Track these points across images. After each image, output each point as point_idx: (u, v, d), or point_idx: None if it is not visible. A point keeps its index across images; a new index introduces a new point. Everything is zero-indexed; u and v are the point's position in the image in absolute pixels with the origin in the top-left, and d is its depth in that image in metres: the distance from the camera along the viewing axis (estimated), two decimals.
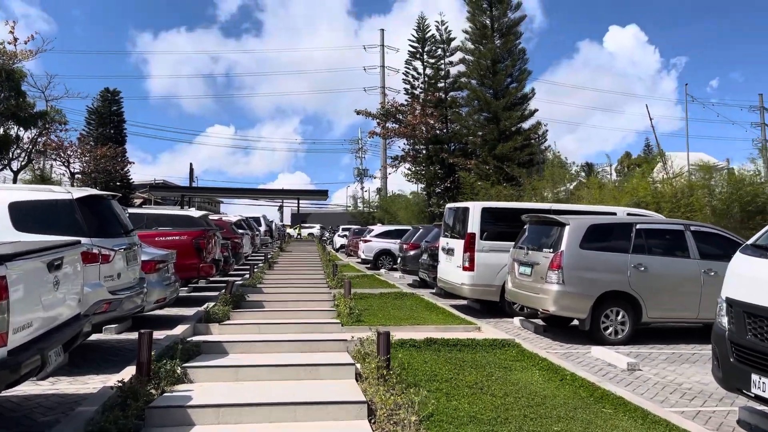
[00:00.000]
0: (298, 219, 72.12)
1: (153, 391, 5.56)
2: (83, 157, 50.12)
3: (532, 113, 36.90)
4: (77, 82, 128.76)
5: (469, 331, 9.58)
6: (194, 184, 76.53)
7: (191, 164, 77.55)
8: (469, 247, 10.88)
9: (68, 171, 48.40)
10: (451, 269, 11.71)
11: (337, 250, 36.03)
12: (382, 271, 21.75)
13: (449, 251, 11.85)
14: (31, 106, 38.76)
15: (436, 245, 13.85)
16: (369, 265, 23.87)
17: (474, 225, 10.94)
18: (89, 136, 55.22)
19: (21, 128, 38.37)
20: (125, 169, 57.41)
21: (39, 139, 39.49)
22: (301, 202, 75.40)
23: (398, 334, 8.96)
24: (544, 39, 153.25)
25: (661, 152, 25.09)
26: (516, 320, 10.55)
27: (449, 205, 12.62)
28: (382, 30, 72.37)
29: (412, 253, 16.19)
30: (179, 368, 6.25)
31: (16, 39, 31.37)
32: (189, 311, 11.08)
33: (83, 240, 6.25)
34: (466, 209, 11.29)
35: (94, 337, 8.24)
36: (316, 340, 8.23)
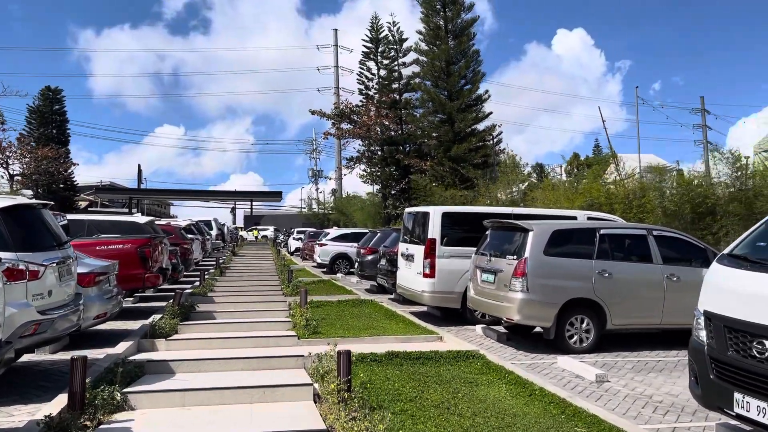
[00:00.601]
0: (252, 221, 70.84)
1: (87, 423, 4.99)
2: (23, 159, 47.87)
3: (487, 115, 37.10)
4: (16, 79, 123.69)
5: (430, 341, 9.23)
6: (143, 186, 74.22)
7: (139, 165, 75.13)
8: (430, 254, 10.55)
9: (7, 173, 46.14)
10: (410, 276, 11.36)
11: (291, 254, 35.33)
12: (339, 275, 21.28)
13: (409, 257, 11.51)
14: None
15: (394, 250, 13.49)
16: (325, 270, 23.36)
17: (434, 230, 10.62)
18: (30, 137, 52.77)
19: None
20: (69, 171, 55.14)
21: None
22: (254, 203, 74.07)
23: (358, 347, 8.54)
24: (493, 41, 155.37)
25: (613, 153, 25.47)
26: (478, 328, 10.28)
27: (408, 209, 12.28)
28: (336, 30, 71.83)
29: (369, 258, 15.80)
30: (119, 394, 5.67)
31: None
32: (134, 325, 10.38)
33: (6, 255, 5.61)
34: (426, 214, 10.96)
35: (25, 358, 7.53)
36: (272, 357, 7.73)
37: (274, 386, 6.35)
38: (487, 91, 37.36)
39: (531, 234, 8.56)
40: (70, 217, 12.48)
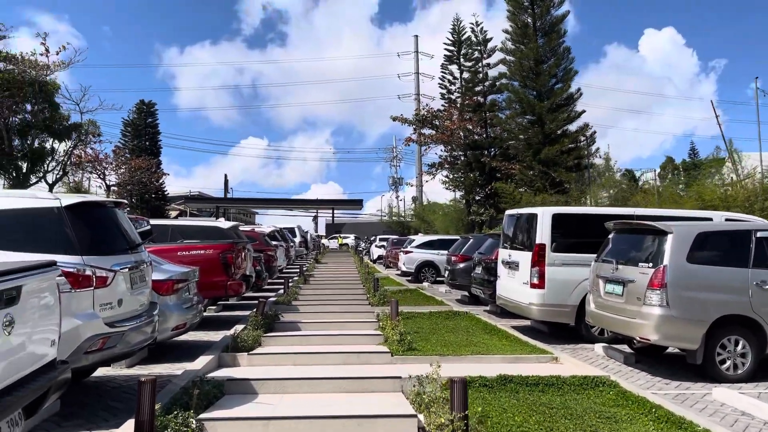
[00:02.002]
0: (333, 229, 71.10)
1: None
2: (119, 169, 49.90)
3: (579, 114, 35.00)
4: (108, 95, 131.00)
5: (543, 362, 7.97)
6: (229, 195, 76.27)
7: (225, 175, 77.31)
8: (538, 261, 9.27)
9: (104, 183, 48.19)
10: (514, 286, 10.11)
11: (374, 261, 34.57)
12: (425, 284, 20.19)
13: (512, 265, 10.26)
14: (65, 118, 38.48)
15: (492, 258, 12.26)
16: (410, 278, 22.34)
17: (543, 234, 9.33)
18: (124, 148, 55.14)
19: (55, 140, 38.14)
20: (160, 181, 57.21)
21: (74, 152, 39.14)
22: (335, 211, 74.37)
23: (460, 367, 7.44)
24: (574, 43, 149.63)
25: (732, 151, 22.92)
26: (598, 347, 8.89)
27: (510, 212, 11.03)
28: (416, 36, 71.33)
29: (461, 265, 14.62)
30: (194, 421, 4.84)
31: (47, 50, 30.97)
32: (216, 336, 9.73)
33: (71, 259, 4.92)
34: (533, 216, 9.69)
35: (99, 372, 6.93)
36: (365, 377, 6.75)
37: (371, 417, 5.34)
38: (579, 90, 35.28)
39: (670, 237, 7.13)
40: (153, 221, 12.13)
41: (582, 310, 9.17)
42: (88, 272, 4.98)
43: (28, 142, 36.24)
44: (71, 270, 4.88)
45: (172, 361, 7.77)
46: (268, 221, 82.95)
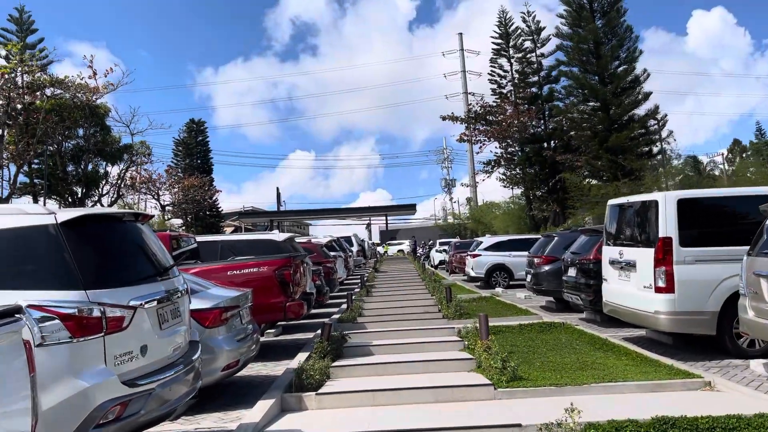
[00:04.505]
0: (388, 235, 69.70)
1: None
2: (172, 189, 49.95)
3: (647, 97, 32.46)
4: (153, 117, 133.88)
5: (693, 388, 6.19)
6: (282, 208, 76.01)
7: (278, 188, 77.15)
8: (663, 259, 7.44)
9: (159, 203, 48.29)
10: (630, 290, 8.29)
11: (436, 267, 32.88)
12: (499, 290, 18.39)
13: (625, 265, 8.44)
14: (117, 140, 38.52)
15: (588, 257, 10.45)
16: (479, 284, 20.59)
17: (668, 226, 7.50)
18: (177, 167, 55.34)
19: (108, 164, 38.19)
20: (214, 198, 57.17)
21: (126, 174, 39.10)
22: (388, 217, 72.99)
23: (587, 401, 5.72)
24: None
25: None
26: (756, 365, 6.97)
27: (614, 201, 9.21)
28: (461, 34, 69.55)
29: (547, 268, 12.82)
30: None
31: (95, 72, 30.78)
32: (276, 367, 8.32)
33: (72, 296, 3.53)
34: (651, 204, 7.86)
35: None
36: (471, 428, 5.15)
37: None
38: (645, 71, 32.76)
39: None
40: (200, 238, 10.88)
41: (724, 318, 7.30)
42: (96, 313, 3.57)
43: (82, 166, 36.34)
44: (70, 311, 3.48)
45: (225, 407, 6.35)
46: (321, 232, 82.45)
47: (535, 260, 13.33)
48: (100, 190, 37.49)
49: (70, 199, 36.08)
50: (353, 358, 8.32)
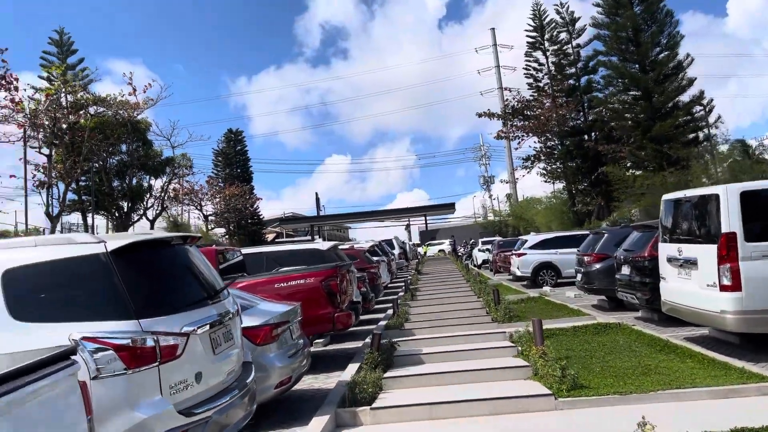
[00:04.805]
0: (428, 236, 69.35)
1: None
2: (214, 199, 50.66)
3: (691, 83, 31.35)
4: (193, 129, 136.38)
5: None
6: (321, 213, 76.47)
7: (316, 194, 77.65)
8: (728, 255, 7.05)
9: (201, 214, 49.06)
10: (692, 289, 7.90)
11: (479, 267, 32.46)
12: (547, 289, 17.97)
13: (685, 263, 8.05)
14: (158, 154, 39.33)
15: (643, 254, 10.06)
16: (526, 283, 20.18)
17: (731, 220, 7.11)
18: (217, 177, 56.15)
19: (152, 177, 39.00)
20: (255, 206, 57.77)
21: (170, 186, 39.85)
22: (427, 217, 72.63)
23: (657, 409, 5.44)
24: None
25: None
26: None
27: (670, 196, 8.80)
28: (493, 29, 68.65)
29: (598, 266, 12.41)
30: None
31: (134, 89, 31.46)
32: (327, 380, 8.24)
33: (125, 326, 3.46)
34: (712, 198, 7.47)
35: None
36: None
37: None
38: (688, 56, 31.64)
39: None
40: (245, 251, 10.89)
41: None
42: (149, 342, 3.50)
43: (127, 181, 37.21)
44: (124, 342, 3.42)
45: (280, 424, 6.27)
46: (360, 235, 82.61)
47: (586, 258, 12.92)
48: (144, 203, 38.33)
49: (116, 214, 37.00)
50: (404, 368, 8.17)
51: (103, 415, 3.18)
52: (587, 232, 17.29)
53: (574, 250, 16.42)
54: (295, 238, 64.61)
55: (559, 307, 13.15)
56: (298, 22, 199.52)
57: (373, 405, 6.34)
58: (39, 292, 3.56)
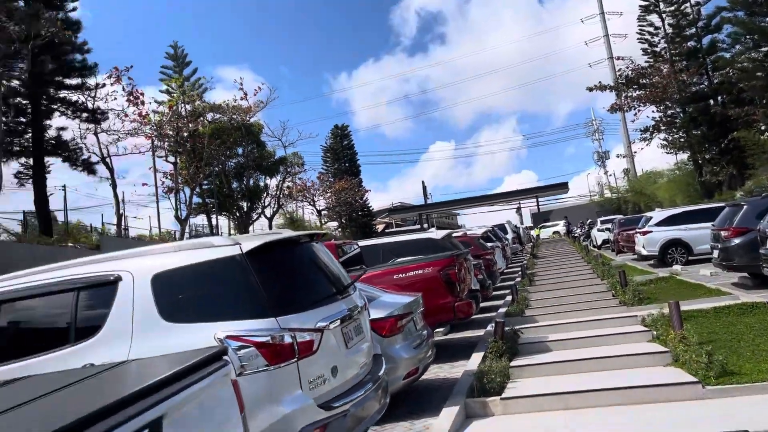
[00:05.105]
0: (540, 218, 67.38)
1: None
2: (325, 194, 52.18)
3: None
4: (301, 128, 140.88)
5: None
6: (429, 201, 76.51)
7: (423, 182, 77.78)
8: None
9: (315, 209, 50.71)
10: None
11: (598, 247, 31.02)
12: (677, 268, 16.78)
13: None
14: (272, 154, 41.07)
15: None
16: (653, 262, 18.98)
17: None
18: (327, 173, 57.75)
19: (267, 177, 40.83)
20: (364, 198, 58.87)
21: (284, 185, 41.51)
22: (539, 199, 70.48)
23: None
24: None
25: None
26: None
27: None
28: None
29: (737, 241, 11.37)
30: None
31: (245, 94, 33.00)
32: (451, 369, 8.19)
33: (264, 324, 3.58)
34: None
35: None
36: None
37: None
38: None
39: None
40: (361, 243, 11.05)
41: None
42: (287, 339, 3.60)
43: (244, 182, 39.19)
44: (264, 339, 3.53)
45: (409, 415, 6.30)
46: (469, 221, 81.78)
47: (723, 233, 11.90)
48: (262, 202, 40.19)
49: (237, 214, 39.10)
50: (530, 356, 7.95)
51: (249, 411, 3.30)
52: (721, 204, 15.94)
53: (706, 224, 15.20)
54: (405, 228, 65.14)
55: (695, 286, 12.23)
56: (394, 12, 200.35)
57: (503, 395, 6.21)
58: (184, 294, 3.78)
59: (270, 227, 39.12)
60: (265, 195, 40.72)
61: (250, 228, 38.72)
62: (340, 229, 52.30)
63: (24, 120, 26.72)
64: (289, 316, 3.69)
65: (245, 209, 39.46)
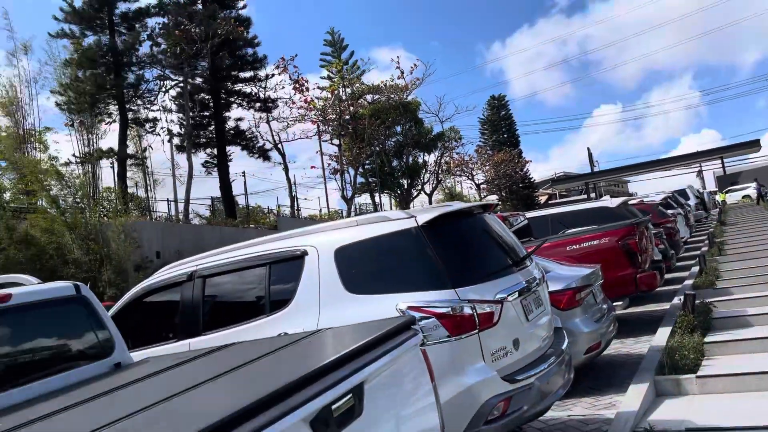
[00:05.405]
0: (726, 182, 60.60)
1: None
2: (484, 167, 51.54)
3: None
4: (458, 102, 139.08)
5: None
6: (595, 169, 72.29)
7: (588, 149, 73.69)
8: None
9: (474, 183, 50.37)
10: None
11: None
12: None
13: None
14: (429, 131, 41.37)
15: None
16: None
17: None
18: (485, 146, 56.92)
19: (425, 153, 41.28)
20: (525, 170, 57.21)
21: (442, 160, 41.71)
22: (724, 160, 63.33)
23: None
24: None
25: None
26: None
27: None
28: None
29: None
30: None
31: (402, 72, 33.43)
32: (635, 344, 7.67)
33: (443, 295, 3.58)
34: None
35: None
36: None
37: None
38: None
39: None
40: (528, 215, 10.72)
41: None
42: (467, 310, 3.56)
43: (404, 160, 39.97)
44: (445, 310, 3.53)
45: (592, 390, 6.01)
46: (641, 188, 75.97)
47: None
48: (421, 178, 40.75)
49: (398, 191, 40.07)
50: (727, 332, 7.20)
51: (436, 381, 3.33)
52: None
53: None
54: (570, 198, 62.29)
55: None
56: None
57: (699, 373, 5.67)
58: (365, 267, 3.90)
59: (430, 203, 39.61)
60: (424, 171, 41.21)
61: (411, 204, 39.48)
62: (500, 203, 51.47)
63: (207, 114, 29.62)
64: (468, 288, 3.65)
65: (405, 186, 40.26)
